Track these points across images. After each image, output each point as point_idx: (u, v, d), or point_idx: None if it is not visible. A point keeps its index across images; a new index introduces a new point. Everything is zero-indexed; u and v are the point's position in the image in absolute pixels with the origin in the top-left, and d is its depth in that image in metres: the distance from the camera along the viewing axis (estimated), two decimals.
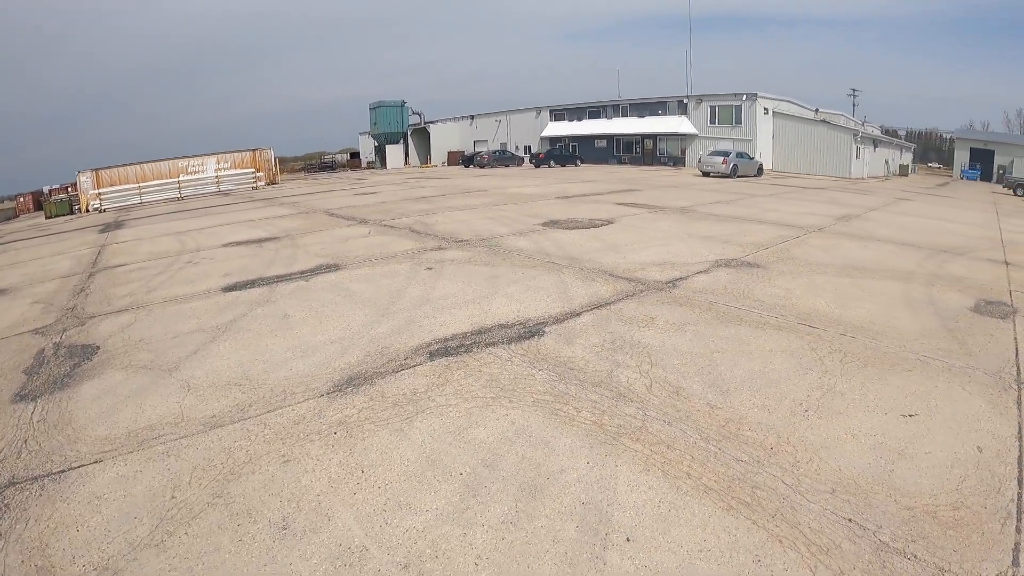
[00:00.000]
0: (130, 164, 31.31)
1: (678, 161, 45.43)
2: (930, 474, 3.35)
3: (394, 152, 60.56)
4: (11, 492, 3.45)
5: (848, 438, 3.70)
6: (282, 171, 40.87)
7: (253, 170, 34.93)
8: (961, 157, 57.20)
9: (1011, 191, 34.55)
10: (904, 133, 78.07)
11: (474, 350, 5.40)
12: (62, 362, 5.76)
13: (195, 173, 33.04)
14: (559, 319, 6.25)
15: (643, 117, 47.44)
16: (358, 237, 12.08)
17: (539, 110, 56.04)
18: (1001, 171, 51.50)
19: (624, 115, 49.23)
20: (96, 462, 3.74)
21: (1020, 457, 3.55)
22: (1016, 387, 4.56)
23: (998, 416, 4.07)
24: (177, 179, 32.01)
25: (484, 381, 4.71)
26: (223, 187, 33.45)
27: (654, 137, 46.91)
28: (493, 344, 5.55)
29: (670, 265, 8.72)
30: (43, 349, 6.27)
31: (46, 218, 28.61)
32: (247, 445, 3.80)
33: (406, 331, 5.97)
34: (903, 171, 54.07)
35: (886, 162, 49.94)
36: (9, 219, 33.74)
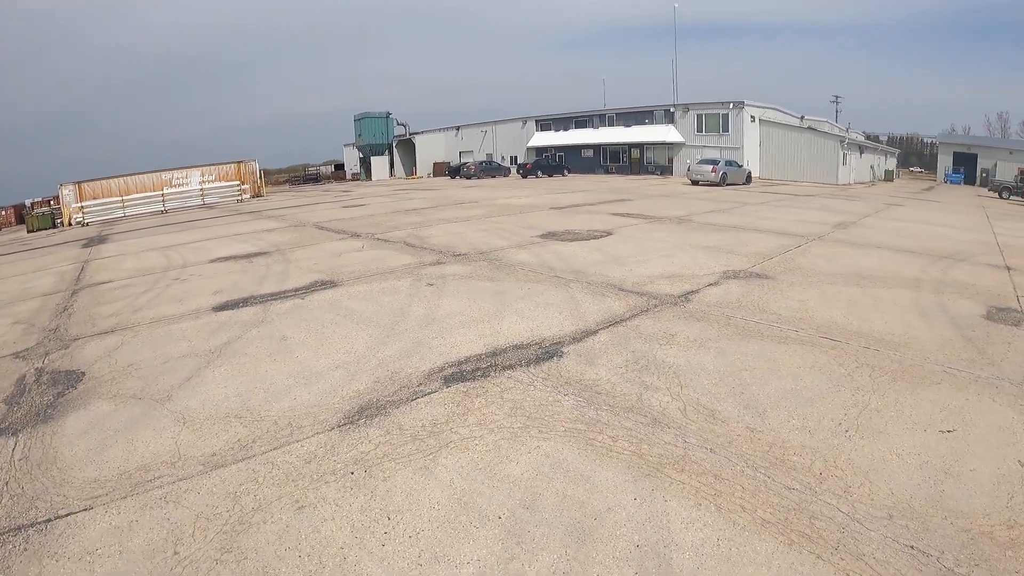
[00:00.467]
0: (113, 177, 30.73)
1: (665, 170, 45.48)
2: (979, 492, 3.23)
3: (379, 164, 60.18)
4: None
5: (893, 458, 3.56)
6: (267, 183, 40.34)
7: (238, 183, 34.42)
8: (944, 161, 57.98)
9: (997, 194, 35.06)
10: (886, 138, 79.14)
11: (491, 374, 5.09)
12: (45, 390, 5.36)
13: (179, 186, 32.48)
14: (576, 338, 5.97)
15: (630, 126, 47.51)
16: (351, 251, 11.72)
17: (525, 120, 55.98)
18: (984, 174, 52.21)
19: (611, 124, 49.29)
20: (86, 509, 3.36)
21: None
22: None
23: None
24: (161, 192, 31.43)
25: (508, 409, 4.39)
26: (208, 200, 32.90)
27: (641, 146, 46.97)
28: (511, 367, 5.23)
29: (678, 278, 8.51)
30: (24, 375, 5.86)
31: (28, 232, 27.97)
32: (255, 489, 3.44)
33: (415, 354, 5.63)
34: (888, 176, 54.65)
35: (871, 168, 50.40)
36: None
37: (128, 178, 31.31)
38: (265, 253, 12.22)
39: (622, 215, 16.65)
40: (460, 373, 5.13)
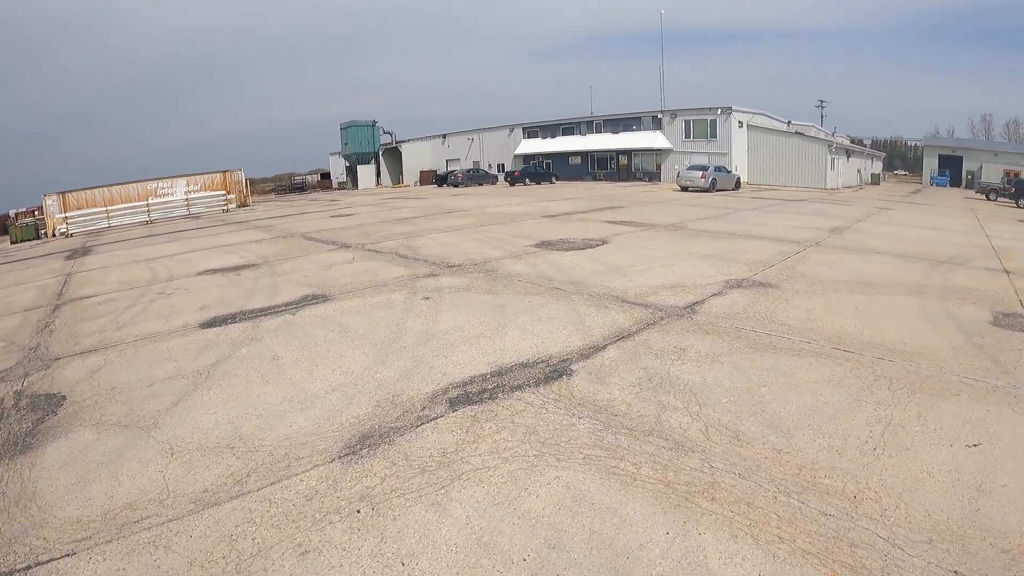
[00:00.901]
0: (97, 187, 30.27)
1: (653, 176, 45.52)
2: (1013, 510, 3.14)
3: (366, 172, 59.83)
4: None
5: (925, 477, 3.45)
6: (252, 193, 39.90)
7: (224, 192, 33.99)
8: (930, 164, 58.61)
9: (984, 196, 35.43)
10: (869, 142, 79.95)
11: (499, 396, 4.83)
12: (24, 416, 5.05)
13: (164, 196, 32.02)
14: (583, 354, 5.73)
15: (617, 133, 47.55)
16: (342, 263, 11.43)
17: (512, 128, 55.90)
18: (970, 176, 52.83)
19: (598, 131, 49.32)
20: (68, 555, 3.08)
21: None
22: None
23: None
24: (146, 202, 30.95)
25: (521, 435, 4.14)
26: (193, 210, 32.44)
27: (629, 153, 47.00)
28: (519, 387, 4.98)
29: (681, 288, 8.33)
30: (2, 399, 5.53)
31: (12, 243, 27.42)
32: (252, 531, 3.16)
33: (416, 374, 5.37)
34: (875, 180, 55.13)
35: (858, 171, 50.81)
36: None
37: (112, 188, 30.83)
38: (253, 265, 11.90)
39: (616, 223, 16.47)
40: (466, 395, 4.88)
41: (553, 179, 47.14)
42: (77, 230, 28.32)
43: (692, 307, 7.26)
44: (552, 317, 7.04)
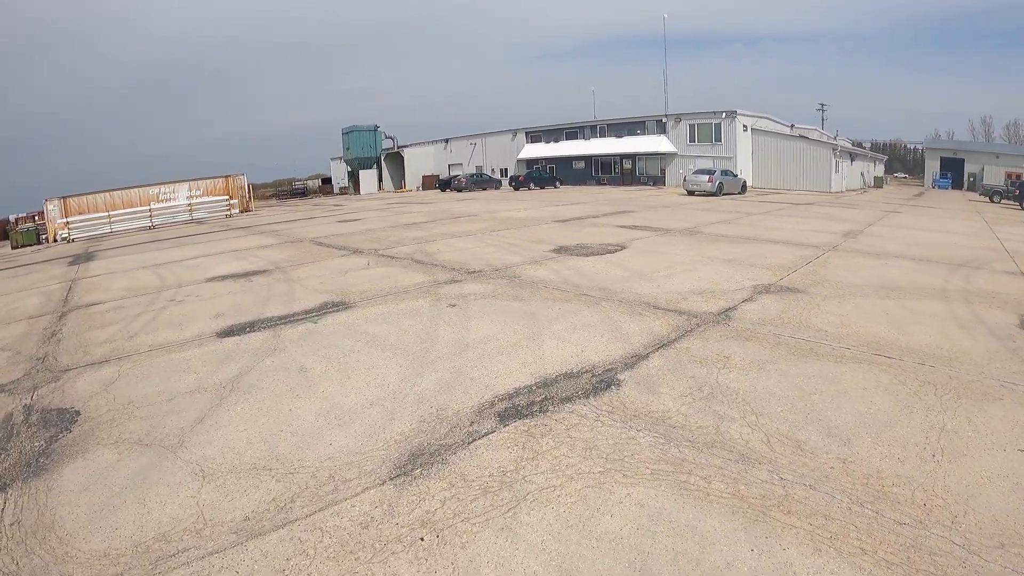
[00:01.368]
0: (99, 192, 29.95)
1: (658, 180, 45.30)
2: None
3: (368, 177, 59.54)
4: None
5: (986, 482, 3.41)
6: (254, 198, 39.59)
7: (226, 197, 33.68)
8: (932, 166, 58.56)
9: (988, 198, 35.42)
10: (869, 145, 79.91)
11: (550, 408, 4.54)
12: (36, 433, 4.71)
13: (166, 201, 31.70)
14: (627, 363, 5.47)
15: (621, 137, 47.35)
16: (357, 269, 11.11)
17: (515, 132, 55.69)
18: (972, 179, 52.76)
19: (602, 135, 49.12)
20: None
21: None
22: None
23: None
24: (148, 207, 30.62)
25: (581, 450, 3.86)
26: (196, 215, 32.13)
27: (633, 157, 46.79)
28: (568, 399, 4.70)
29: (710, 294, 8.11)
30: (11, 414, 5.19)
31: (12, 248, 27.10)
32: (307, 565, 2.83)
33: (457, 386, 5.04)
34: (878, 183, 55.02)
35: (862, 175, 50.68)
36: None
37: (114, 193, 30.51)
38: (265, 271, 11.57)
39: (629, 227, 16.22)
40: (515, 408, 4.58)
41: (557, 183, 46.93)
42: (79, 235, 27.99)
43: (726, 313, 7.07)
44: (587, 325, 6.76)
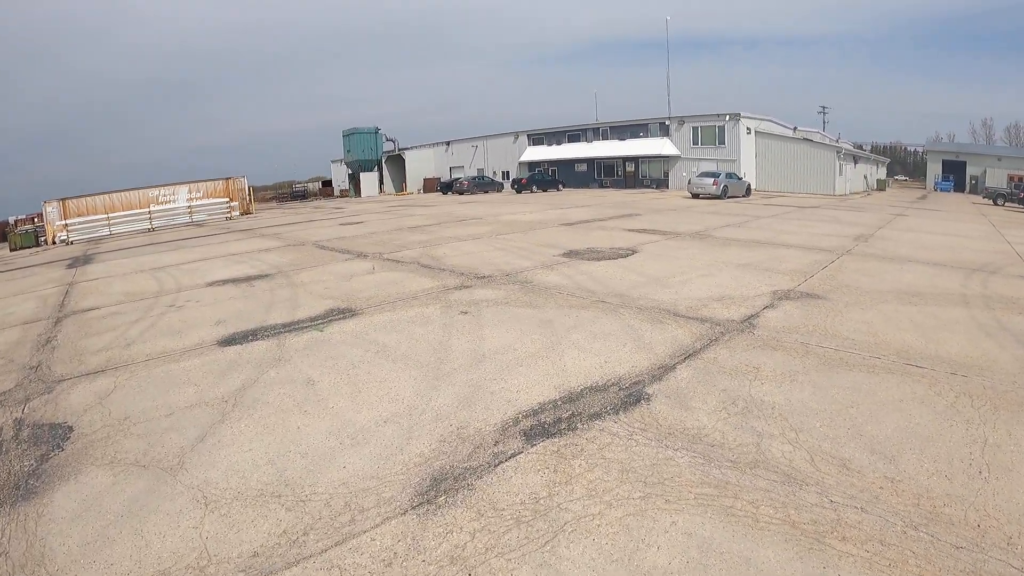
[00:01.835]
0: (98, 194, 29.69)
1: (661, 183, 45.02)
2: None
3: (368, 180, 59.21)
4: None
5: None
6: (253, 201, 39.30)
7: (227, 200, 33.39)
8: (934, 169, 58.44)
9: (991, 201, 35.35)
10: (869, 147, 79.72)
11: (578, 426, 4.24)
12: (26, 451, 4.39)
13: (166, 203, 31.41)
14: (654, 375, 5.18)
15: (624, 139, 47.08)
16: (362, 274, 10.79)
17: (517, 135, 55.41)
18: (974, 181, 52.59)
19: (604, 138, 48.83)
20: None
21: None
22: None
23: None
24: (148, 209, 30.31)
25: (617, 473, 3.57)
26: (196, 218, 31.83)
27: (636, 160, 46.52)
28: (597, 416, 4.40)
29: (730, 300, 7.86)
30: (0, 429, 4.87)
31: (11, 250, 26.82)
32: None
33: (477, 402, 4.72)
34: (881, 186, 54.80)
35: (864, 177, 50.43)
36: None
37: (114, 195, 30.23)
38: (267, 276, 11.25)
39: (638, 231, 15.94)
40: (541, 426, 4.27)
41: (560, 186, 46.66)
42: (78, 237, 27.68)
43: (749, 321, 6.83)
44: (607, 333, 6.45)
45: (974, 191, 52.14)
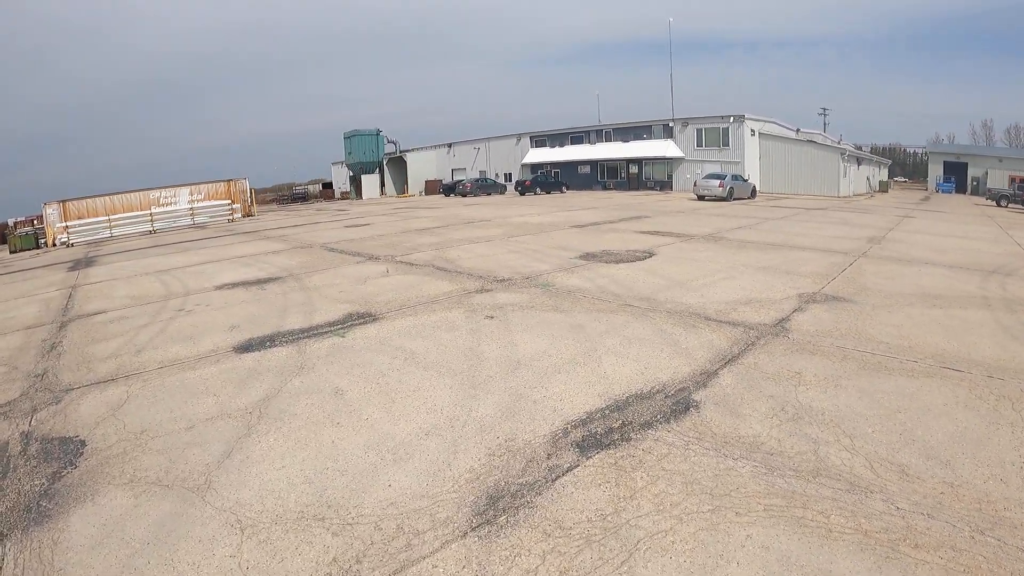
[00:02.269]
0: (99, 195, 29.39)
1: (664, 185, 44.82)
2: None
3: (370, 182, 58.95)
4: None
5: None
6: (255, 202, 39.02)
7: (228, 201, 33.10)
8: (935, 170, 58.38)
9: (995, 202, 35.33)
10: (868, 149, 79.68)
11: (632, 436, 4.02)
12: (36, 469, 4.09)
13: (167, 205, 31.10)
14: (698, 382, 4.99)
15: (628, 141, 46.86)
16: (376, 277, 10.50)
17: (519, 137, 55.19)
18: (975, 183, 52.47)
19: (607, 140, 48.62)
20: None
21: None
22: None
23: None
24: (149, 211, 30.02)
25: (681, 485, 3.39)
26: (198, 219, 31.55)
27: (639, 162, 46.30)
28: (648, 424, 4.20)
29: (757, 303, 7.69)
30: (7, 443, 4.57)
31: (10, 252, 26.51)
32: None
33: (521, 411, 4.44)
34: (883, 187, 54.68)
35: (867, 179, 50.27)
36: None
37: (114, 197, 29.94)
38: (277, 279, 10.95)
39: (650, 233, 15.72)
40: (593, 437, 4.03)
41: (564, 188, 46.41)
42: (78, 240, 27.35)
43: (781, 324, 6.70)
44: (641, 338, 6.19)
45: (975, 192, 52.05)
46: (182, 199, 31.96)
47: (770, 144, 41.61)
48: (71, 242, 27.09)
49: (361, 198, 57.32)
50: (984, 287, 8.72)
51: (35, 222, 30.62)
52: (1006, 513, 3.17)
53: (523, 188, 44.55)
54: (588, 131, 50.34)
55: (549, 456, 3.76)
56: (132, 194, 30.67)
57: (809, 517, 3.11)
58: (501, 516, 3.14)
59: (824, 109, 75.25)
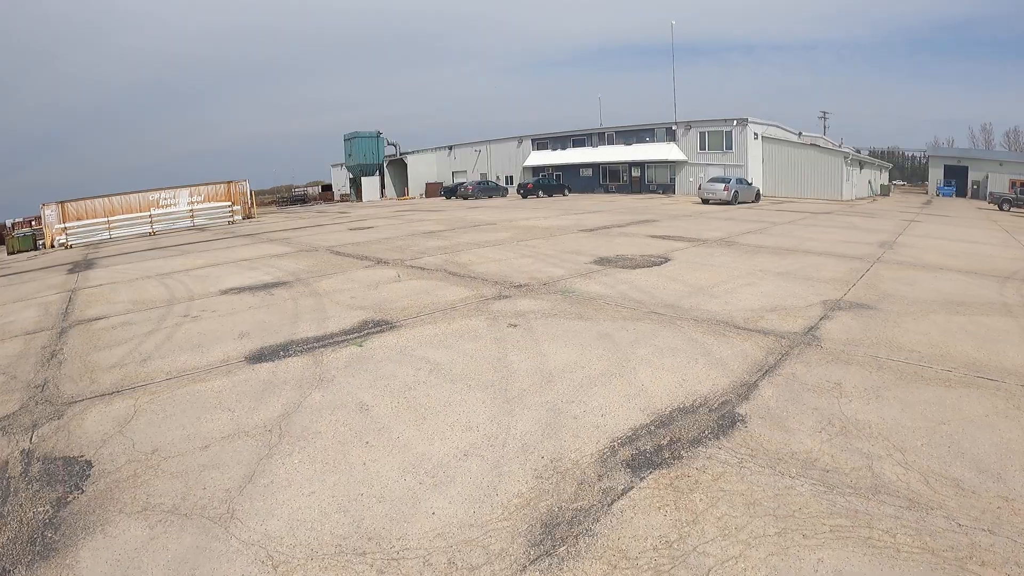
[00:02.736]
0: (98, 197, 29.06)
1: (667, 188, 44.62)
2: None
3: (370, 184, 58.65)
4: None
5: None
6: (255, 205, 38.71)
7: (228, 203, 32.78)
8: (935, 174, 58.33)
9: (997, 206, 35.36)
10: (867, 152, 79.66)
11: (683, 454, 3.80)
12: (39, 493, 3.77)
13: (167, 207, 30.77)
14: (739, 394, 4.79)
15: (630, 144, 46.67)
16: (388, 282, 10.20)
17: (520, 139, 54.98)
18: (976, 186, 52.40)
19: (610, 143, 48.42)
20: None
21: None
22: None
23: None
24: (148, 213, 29.69)
25: (743, 507, 3.21)
26: (198, 221, 31.21)
27: (642, 165, 46.11)
28: (697, 441, 3.99)
29: (783, 311, 7.49)
30: (7, 462, 4.25)
31: (8, 254, 26.18)
32: None
33: (562, 428, 4.17)
34: (884, 191, 54.61)
35: (869, 183, 50.17)
36: None
37: (114, 198, 29.61)
38: (285, 283, 10.65)
39: (661, 237, 15.47)
40: (642, 455, 3.80)
41: (566, 191, 46.17)
42: (77, 241, 27.00)
43: (810, 333, 6.53)
44: (673, 348, 5.94)
45: (976, 196, 52.00)
46: (182, 201, 31.62)
47: (773, 147, 41.46)
48: (70, 244, 26.74)
49: (361, 200, 57.02)
50: (1003, 293, 8.64)
51: (33, 223, 30.32)
52: None
53: (525, 191, 44.31)
54: (590, 134, 50.14)
55: (600, 477, 3.50)
56: (131, 196, 30.33)
57: (876, 537, 2.99)
58: (560, 546, 2.88)
59: (824, 113, 75.29)
